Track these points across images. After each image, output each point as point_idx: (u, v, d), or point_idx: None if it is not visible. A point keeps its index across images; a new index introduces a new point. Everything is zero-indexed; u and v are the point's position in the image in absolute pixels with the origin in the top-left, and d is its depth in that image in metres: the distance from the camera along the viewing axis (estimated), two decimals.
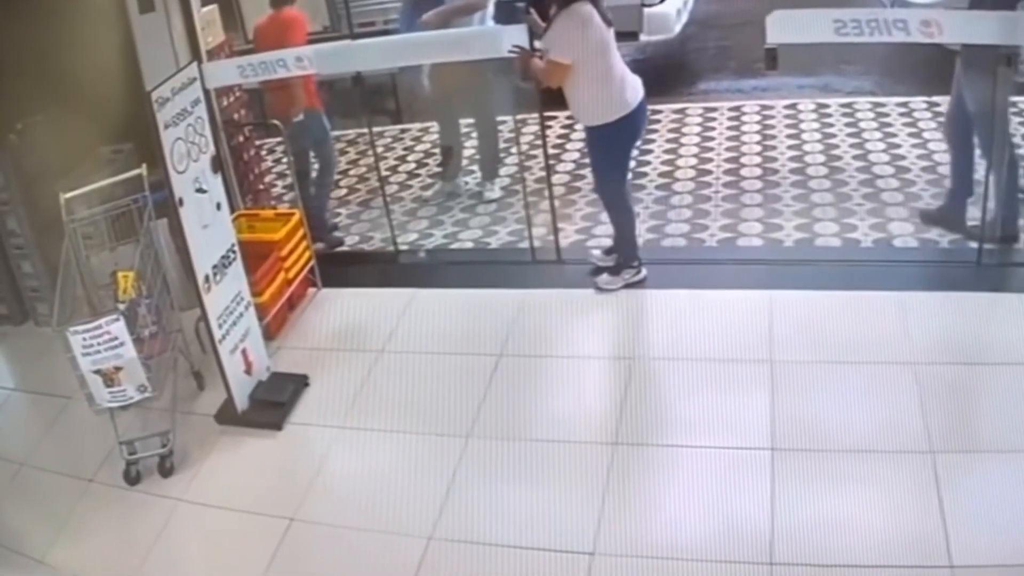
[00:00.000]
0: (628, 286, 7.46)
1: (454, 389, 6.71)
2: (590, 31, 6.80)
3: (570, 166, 9.82)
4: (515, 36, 7.24)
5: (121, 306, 6.24)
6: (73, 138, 7.69)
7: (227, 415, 6.72)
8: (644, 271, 7.51)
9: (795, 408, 6.07)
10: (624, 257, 7.56)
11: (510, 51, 7.18)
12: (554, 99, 10.78)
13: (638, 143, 7.67)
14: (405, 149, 8.93)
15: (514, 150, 8.66)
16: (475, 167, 9.73)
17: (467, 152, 9.82)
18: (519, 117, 8.98)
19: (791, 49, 7.04)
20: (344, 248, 8.95)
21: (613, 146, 7.19)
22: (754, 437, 5.90)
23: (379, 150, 8.71)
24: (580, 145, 10.19)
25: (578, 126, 10.55)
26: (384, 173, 8.77)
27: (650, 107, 9.91)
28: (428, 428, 6.41)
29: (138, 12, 7.65)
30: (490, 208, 9.12)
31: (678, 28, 11.25)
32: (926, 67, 9.60)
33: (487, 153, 9.57)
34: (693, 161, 9.56)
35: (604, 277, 7.51)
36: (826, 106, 10.31)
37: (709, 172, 9.29)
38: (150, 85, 6.08)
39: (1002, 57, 6.98)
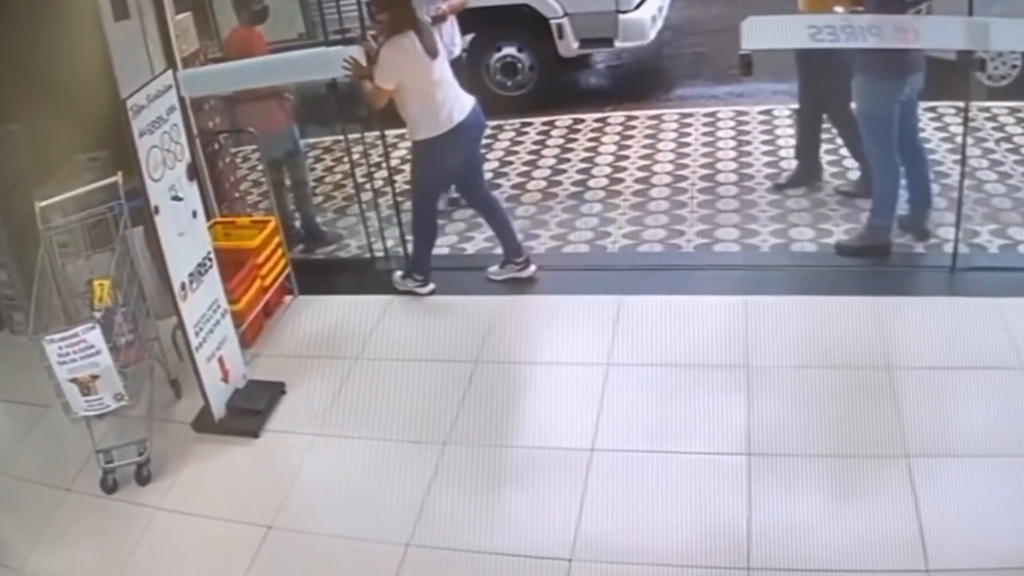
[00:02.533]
0: (513, 280, 7.82)
1: (431, 396, 6.71)
2: (409, 61, 7.13)
3: (546, 172, 9.83)
4: (349, 55, 7.41)
5: (97, 314, 6.23)
6: (49, 146, 7.68)
7: (204, 423, 6.70)
8: (431, 286, 7.90)
9: (771, 413, 6.11)
10: (410, 267, 8.01)
11: (343, 65, 7.34)
12: (532, 106, 10.84)
13: (465, 164, 7.72)
14: (380, 156, 8.91)
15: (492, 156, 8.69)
16: None
17: None
18: (493, 124, 9.01)
19: (766, 55, 7.08)
20: (319, 256, 8.93)
21: (435, 161, 7.47)
22: (731, 442, 5.93)
23: (354, 156, 8.67)
24: (557, 151, 10.24)
25: (555, 133, 10.63)
26: (360, 180, 8.75)
27: (626, 113, 9.96)
28: (405, 435, 6.41)
29: (113, 20, 7.63)
30: (466, 214, 9.09)
31: (653, 34, 11.26)
32: None
33: None
34: (669, 167, 9.58)
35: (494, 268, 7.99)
36: None
37: (685, 178, 9.31)
38: (125, 93, 6.07)
39: (976, 61, 7.07)
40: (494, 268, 7.98)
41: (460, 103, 7.39)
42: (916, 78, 7.25)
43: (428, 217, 7.81)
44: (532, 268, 7.89)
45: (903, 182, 7.62)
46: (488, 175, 9.47)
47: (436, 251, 8.06)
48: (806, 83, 8.40)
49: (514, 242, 7.92)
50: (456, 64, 8.51)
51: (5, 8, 7.54)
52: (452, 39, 8.64)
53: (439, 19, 8.32)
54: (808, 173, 8.74)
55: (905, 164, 7.53)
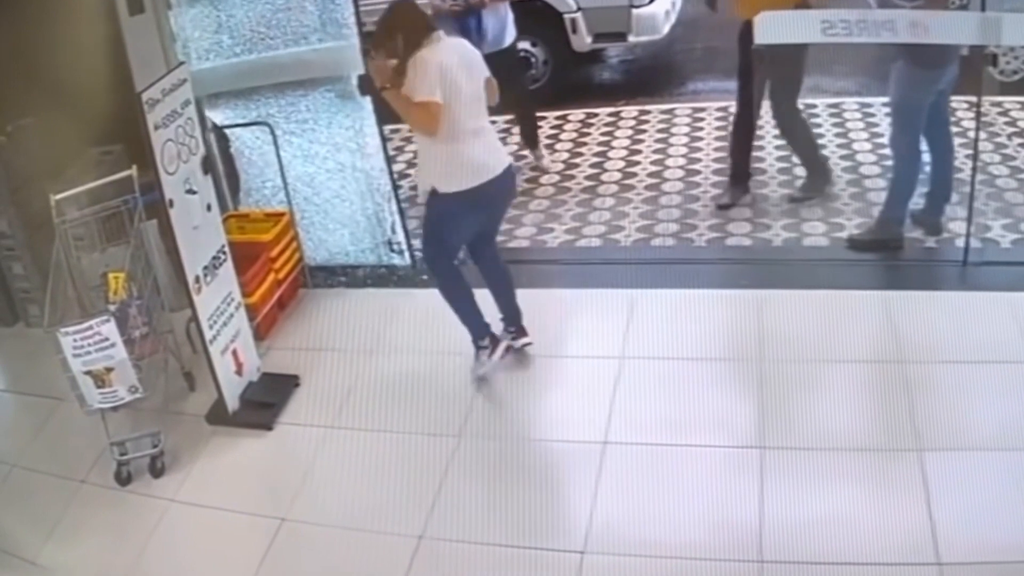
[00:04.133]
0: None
1: (444, 389, 6.73)
2: (446, 74, 5.95)
3: (559, 166, 9.83)
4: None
5: (112, 307, 6.27)
6: (63, 140, 7.68)
7: (218, 415, 6.72)
8: (504, 344, 6.86)
9: (784, 407, 6.11)
10: (474, 336, 6.82)
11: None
12: (545, 101, 10.81)
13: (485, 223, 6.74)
14: (396, 149, 8.93)
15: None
16: None
17: None
18: (506, 117, 9.02)
19: None
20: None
21: (455, 217, 6.38)
22: (743, 435, 5.94)
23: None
24: (570, 146, 10.24)
25: (568, 127, 10.63)
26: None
27: (639, 108, 9.93)
28: (419, 427, 6.42)
29: (128, 14, 7.64)
30: None
31: (666, 29, 11.25)
32: None
33: None
34: (682, 161, 9.58)
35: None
36: (813, 106, 10.32)
37: (698, 172, 9.31)
38: (140, 86, 6.09)
39: (988, 56, 7.06)
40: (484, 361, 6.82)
41: (494, 155, 6.34)
42: (953, 68, 7.24)
43: (459, 283, 6.78)
44: (525, 339, 6.93)
45: (922, 176, 7.61)
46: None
47: None
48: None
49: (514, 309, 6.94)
50: (503, 54, 8.49)
51: (17, 3, 7.56)
52: (504, 27, 8.50)
53: (478, 4, 8.15)
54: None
55: (933, 154, 7.54)
